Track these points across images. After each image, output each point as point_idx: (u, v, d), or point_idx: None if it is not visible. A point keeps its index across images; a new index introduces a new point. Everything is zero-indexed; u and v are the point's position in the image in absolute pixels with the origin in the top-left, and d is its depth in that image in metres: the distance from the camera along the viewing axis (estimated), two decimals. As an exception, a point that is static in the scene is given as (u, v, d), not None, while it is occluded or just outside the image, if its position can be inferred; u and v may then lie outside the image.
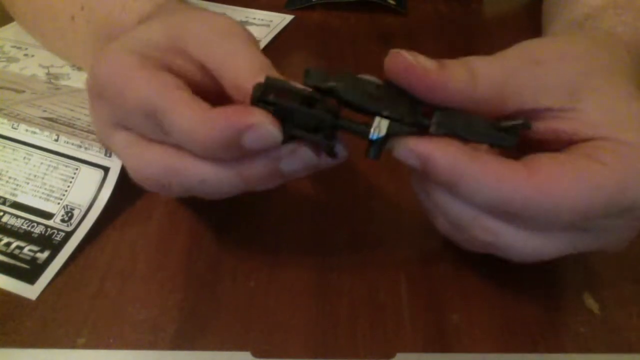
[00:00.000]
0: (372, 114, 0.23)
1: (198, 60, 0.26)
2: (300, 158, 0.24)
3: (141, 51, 0.25)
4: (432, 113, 0.23)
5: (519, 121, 0.23)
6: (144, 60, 0.25)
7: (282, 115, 0.23)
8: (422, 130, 0.23)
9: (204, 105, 0.23)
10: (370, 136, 0.23)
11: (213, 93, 0.26)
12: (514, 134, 0.23)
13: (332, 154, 0.24)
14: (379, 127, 0.23)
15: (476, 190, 0.22)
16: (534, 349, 0.25)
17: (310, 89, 0.23)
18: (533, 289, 0.28)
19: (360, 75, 0.24)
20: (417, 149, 0.23)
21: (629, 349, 0.25)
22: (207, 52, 0.25)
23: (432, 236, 0.31)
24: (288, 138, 0.23)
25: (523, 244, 0.24)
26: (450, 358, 0.25)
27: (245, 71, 0.24)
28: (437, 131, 0.23)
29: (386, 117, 0.23)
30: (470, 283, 0.28)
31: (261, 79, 0.23)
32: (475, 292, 0.28)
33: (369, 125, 0.23)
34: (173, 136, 0.23)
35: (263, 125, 0.22)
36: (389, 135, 0.23)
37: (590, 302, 0.27)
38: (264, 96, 0.23)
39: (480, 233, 0.24)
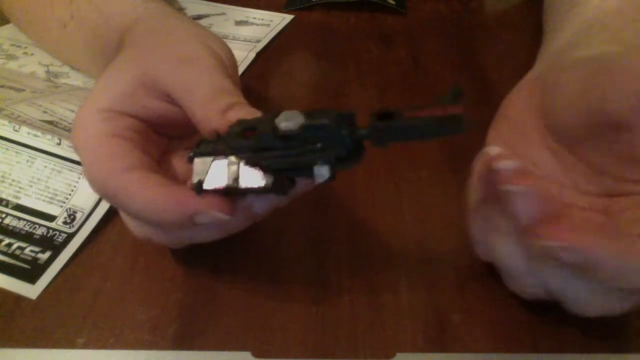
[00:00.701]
0: (309, 168, 0.22)
1: (166, 93, 0.26)
2: (267, 199, 0.24)
3: (109, 107, 0.26)
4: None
5: (449, 97, 0.20)
6: (106, 126, 0.25)
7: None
8: (359, 144, 0.22)
9: (153, 186, 0.23)
10: (317, 182, 0.22)
11: (188, 121, 0.26)
12: (458, 120, 0.20)
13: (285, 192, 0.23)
14: (321, 173, 0.22)
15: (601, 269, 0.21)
16: (534, 349, 0.25)
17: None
18: (533, 288, 0.28)
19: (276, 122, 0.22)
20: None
21: (629, 349, 0.25)
22: (170, 84, 0.26)
23: (433, 236, 0.31)
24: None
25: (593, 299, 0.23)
26: (450, 358, 0.25)
27: (199, 99, 0.24)
28: (377, 143, 0.21)
29: (322, 163, 0.21)
30: (471, 283, 0.28)
31: (211, 107, 0.24)
32: (475, 292, 0.28)
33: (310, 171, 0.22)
34: (133, 215, 0.25)
35: (209, 212, 0.23)
36: (335, 167, 0.22)
37: (590, 302, 0.27)
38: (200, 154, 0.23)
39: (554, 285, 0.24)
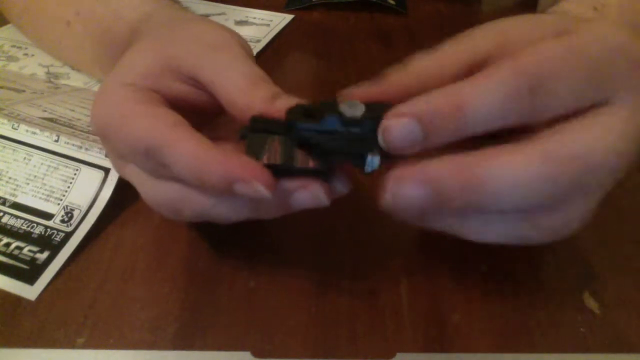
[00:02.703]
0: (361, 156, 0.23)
1: (192, 77, 0.26)
2: (309, 196, 0.23)
3: (134, 82, 0.25)
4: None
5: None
6: (138, 94, 0.25)
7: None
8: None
9: (203, 142, 0.23)
10: (366, 171, 0.23)
11: (210, 107, 0.26)
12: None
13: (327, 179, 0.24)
14: (372, 163, 0.23)
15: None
16: (534, 349, 0.25)
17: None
18: (533, 289, 0.28)
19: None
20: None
21: (629, 349, 0.25)
22: (200, 68, 0.25)
23: (433, 236, 0.31)
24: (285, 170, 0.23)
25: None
26: (450, 358, 0.25)
27: (239, 86, 0.24)
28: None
29: (376, 153, 0.22)
30: (470, 283, 0.28)
31: (255, 95, 0.24)
32: (475, 292, 0.28)
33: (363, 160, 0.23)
34: (174, 172, 0.23)
35: (253, 183, 0.22)
36: (382, 159, 0.23)
37: (590, 302, 0.27)
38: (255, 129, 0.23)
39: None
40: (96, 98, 0.26)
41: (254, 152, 0.23)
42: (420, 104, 0.21)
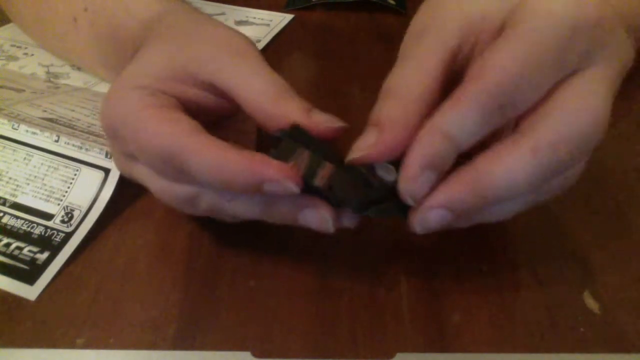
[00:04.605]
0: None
1: (209, 83, 0.26)
2: (318, 216, 0.24)
3: (149, 84, 0.25)
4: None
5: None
6: (153, 98, 0.25)
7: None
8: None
9: (224, 147, 0.23)
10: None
11: (221, 111, 0.26)
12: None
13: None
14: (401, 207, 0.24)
15: None
16: (534, 349, 0.25)
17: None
18: (533, 288, 0.28)
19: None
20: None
21: (629, 349, 0.25)
22: (219, 74, 0.26)
23: (433, 236, 0.31)
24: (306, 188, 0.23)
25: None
26: (450, 358, 0.25)
27: (269, 95, 0.25)
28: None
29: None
30: (470, 283, 0.28)
31: (290, 105, 0.24)
32: (475, 292, 0.28)
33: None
34: (193, 177, 0.24)
35: (284, 181, 0.22)
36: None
37: (590, 302, 0.27)
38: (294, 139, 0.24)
39: None
40: (107, 97, 0.26)
41: (282, 157, 0.23)
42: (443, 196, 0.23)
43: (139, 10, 0.33)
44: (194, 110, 0.26)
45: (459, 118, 0.22)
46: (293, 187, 0.23)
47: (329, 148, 0.24)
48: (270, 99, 0.24)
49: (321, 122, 0.24)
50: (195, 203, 0.26)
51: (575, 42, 0.22)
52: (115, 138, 0.26)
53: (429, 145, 0.22)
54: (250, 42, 0.27)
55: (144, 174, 0.27)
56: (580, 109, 0.22)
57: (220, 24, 0.29)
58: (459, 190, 0.23)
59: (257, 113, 0.25)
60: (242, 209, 0.25)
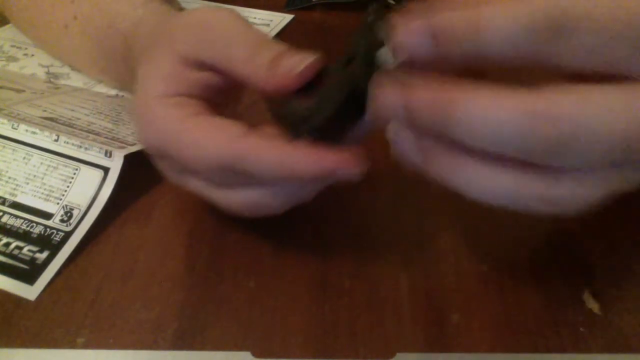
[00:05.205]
0: None
1: (210, 63, 0.26)
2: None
3: (165, 91, 0.26)
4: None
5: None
6: (181, 110, 0.25)
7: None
8: None
9: (280, 145, 0.23)
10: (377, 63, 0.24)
11: (232, 83, 0.26)
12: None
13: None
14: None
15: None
16: (534, 349, 0.25)
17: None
18: (533, 288, 0.28)
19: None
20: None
21: (629, 349, 0.25)
22: (210, 55, 0.26)
23: (433, 236, 0.31)
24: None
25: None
26: (450, 358, 0.25)
27: (248, 47, 0.25)
28: None
29: None
30: (470, 283, 0.28)
31: (266, 48, 0.25)
32: (475, 292, 0.28)
33: None
34: (257, 179, 0.24)
35: (353, 167, 0.23)
36: None
37: (590, 302, 0.27)
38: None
39: None
40: (140, 119, 0.26)
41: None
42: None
43: (119, 23, 0.34)
44: (212, 92, 0.26)
45: (504, 17, 0.18)
46: (358, 172, 0.23)
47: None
48: (242, 62, 0.25)
49: (293, 66, 0.25)
50: (261, 207, 0.26)
51: None
52: (164, 158, 0.27)
53: (448, 17, 0.19)
54: (218, 10, 0.27)
55: (200, 188, 0.27)
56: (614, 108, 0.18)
57: (198, 9, 0.29)
58: (425, 93, 0.20)
59: (245, 70, 0.25)
60: (308, 195, 0.26)
